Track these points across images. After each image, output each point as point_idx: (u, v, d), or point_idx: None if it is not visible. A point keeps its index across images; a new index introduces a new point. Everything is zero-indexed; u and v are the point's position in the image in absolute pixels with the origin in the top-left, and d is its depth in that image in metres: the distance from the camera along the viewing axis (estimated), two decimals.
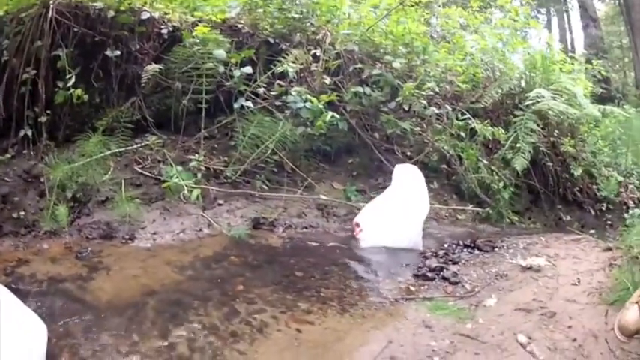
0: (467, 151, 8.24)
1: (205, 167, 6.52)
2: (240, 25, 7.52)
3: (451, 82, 9.17)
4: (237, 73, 6.83)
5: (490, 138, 8.42)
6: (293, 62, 7.08)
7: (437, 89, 8.34)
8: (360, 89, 7.43)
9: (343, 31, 7.88)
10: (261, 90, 7.04)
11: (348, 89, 7.52)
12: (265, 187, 6.56)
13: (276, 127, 6.60)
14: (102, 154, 6.08)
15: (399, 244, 5.70)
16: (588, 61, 12.50)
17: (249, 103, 6.90)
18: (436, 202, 7.55)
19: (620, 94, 18.23)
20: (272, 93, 7.05)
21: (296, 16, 7.85)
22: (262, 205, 6.34)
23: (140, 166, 6.49)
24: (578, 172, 9.19)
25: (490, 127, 8.37)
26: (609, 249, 5.30)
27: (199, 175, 6.35)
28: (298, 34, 7.76)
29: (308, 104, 6.69)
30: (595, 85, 11.77)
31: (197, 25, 6.89)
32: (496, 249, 5.68)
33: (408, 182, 5.99)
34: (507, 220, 8.08)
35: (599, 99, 11.02)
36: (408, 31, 8.56)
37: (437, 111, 8.09)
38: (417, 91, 7.71)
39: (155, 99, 7.13)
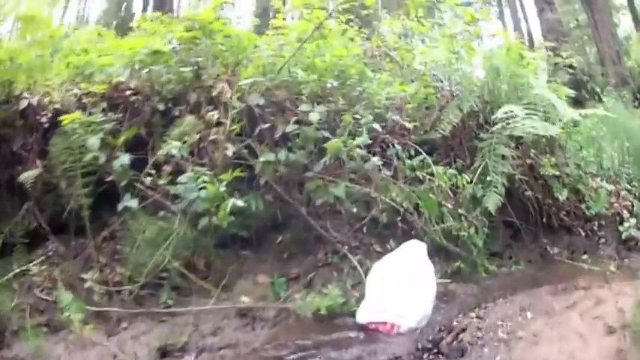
0: (425, 200, 6.61)
1: (105, 281, 5.52)
2: (128, 92, 6.31)
3: (400, 109, 7.44)
4: (116, 164, 5.68)
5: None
6: (184, 135, 5.84)
7: (378, 127, 6.75)
8: (271, 156, 6.05)
9: (244, 81, 6.28)
10: (148, 180, 5.78)
11: (261, 154, 6.12)
12: (171, 300, 5.43)
13: (171, 225, 5.46)
14: (5, 278, 5.38)
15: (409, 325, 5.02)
16: (553, 50, 10.75)
17: (133, 203, 5.65)
18: None
19: (586, 76, 16.90)
20: (161, 182, 5.71)
21: (187, 69, 6.42)
22: (170, 324, 5.23)
23: (40, 288, 5.54)
24: (563, 195, 7.61)
25: (450, 169, 6.97)
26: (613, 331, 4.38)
27: (96, 296, 5.40)
28: (194, 93, 6.35)
29: (203, 192, 5.41)
30: (564, 75, 10.04)
31: (82, 99, 6.07)
32: (466, 351, 4.61)
33: (415, 259, 5.48)
34: (483, 270, 6.81)
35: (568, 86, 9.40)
36: (335, 61, 7.07)
37: (378, 162, 6.56)
38: (349, 141, 6.16)
39: (49, 200, 6.09)
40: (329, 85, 6.85)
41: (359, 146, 6.22)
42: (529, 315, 5.15)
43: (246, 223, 5.95)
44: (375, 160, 6.46)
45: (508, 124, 6.78)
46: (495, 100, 7.68)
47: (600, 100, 12.64)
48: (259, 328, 5.29)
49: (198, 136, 5.94)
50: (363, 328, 5.15)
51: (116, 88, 6.34)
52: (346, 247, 6.23)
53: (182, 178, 5.54)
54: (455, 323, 5.18)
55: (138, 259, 5.44)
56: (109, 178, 5.74)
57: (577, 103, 10.53)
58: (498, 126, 6.86)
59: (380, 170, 6.59)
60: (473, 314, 5.29)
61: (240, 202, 5.38)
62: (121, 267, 5.59)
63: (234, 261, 6.03)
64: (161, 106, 6.23)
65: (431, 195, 6.66)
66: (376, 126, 6.68)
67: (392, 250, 6.11)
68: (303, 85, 6.76)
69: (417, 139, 7.35)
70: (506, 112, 6.80)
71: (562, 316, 5.04)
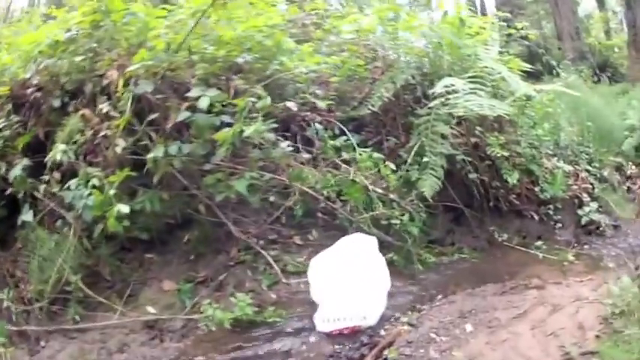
0: (347, 186, 5.62)
1: (21, 298, 5.00)
2: (31, 90, 5.60)
3: (326, 84, 6.37)
4: (12, 173, 5.17)
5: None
6: (74, 133, 5.18)
7: (292, 106, 5.70)
8: (160, 151, 5.06)
9: (133, 66, 5.27)
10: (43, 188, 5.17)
11: (152, 149, 5.15)
12: (77, 316, 4.87)
13: (67, 236, 4.92)
14: None
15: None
16: (506, 22, 9.74)
17: (29, 216, 5.13)
18: None
19: (542, 49, 16.00)
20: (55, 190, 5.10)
21: (81, 58, 5.58)
22: (80, 341, 4.74)
23: None
24: (513, 178, 6.58)
25: (378, 150, 6.00)
26: None
27: (14, 315, 4.87)
28: (90, 83, 5.49)
29: (91, 199, 4.73)
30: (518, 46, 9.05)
31: None
32: None
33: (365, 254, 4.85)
34: (420, 262, 5.85)
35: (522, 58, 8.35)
36: (247, 33, 5.99)
37: (288, 147, 5.63)
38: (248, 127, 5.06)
39: None
40: (241, 61, 5.92)
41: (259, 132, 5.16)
42: (468, 327, 4.39)
43: (147, 224, 5.24)
44: (284, 145, 5.53)
45: (448, 100, 5.69)
46: (436, 72, 6.68)
47: (557, 75, 11.70)
48: (168, 341, 4.69)
49: (90, 133, 5.21)
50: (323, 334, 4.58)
51: (22, 85, 5.67)
52: (262, 241, 5.52)
53: (71, 184, 4.90)
54: (382, 332, 4.54)
55: (41, 274, 4.94)
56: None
57: (532, 76, 9.87)
58: (436, 102, 5.78)
59: (293, 155, 5.69)
60: (405, 319, 4.67)
61: (125, 209, 4.64)
62: (32, 283, 5.05)
63: (138, 267, 5.39)
64: (57, 103, 5.52)
65: (357, 179, 5.64)
66: (290, 104, 5.71)
67: (314, 242, 5.63)
68: (207, 63, 5.71)
69: (344, 116, 6.41)
70: (446, 86, 5.72)
71: (508, 331, 4.26)
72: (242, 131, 4.97)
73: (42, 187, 5.13)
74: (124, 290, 5.11)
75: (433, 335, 4.32)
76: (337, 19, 7.37)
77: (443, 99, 5.73)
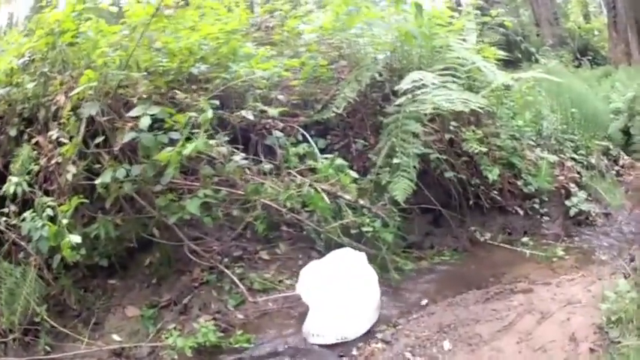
0: (312, 197, 5.12)
1: None
2: None
3: (288, 88, 5.94)
4: None
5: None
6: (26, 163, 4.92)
7: (249, 115, 5.28)
8: (108, 176, 4.67)
9: (77, 88, 4.80)
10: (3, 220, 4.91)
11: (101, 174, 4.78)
12: (47, 346, 4.59)
13: (27, 271, 4.69)
14: None
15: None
16: (482, 10, 9.26)
17: None
18: (285, 274, 5.30)
19: (520, 36, 15.64)
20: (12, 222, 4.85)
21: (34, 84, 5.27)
22: None
23: None
24: (493, 174, 6.06)
25: (339, 160, 5.46)
26: None
27: None
28: (43, 109, 5.19)
29: (45, 230, 4.45)
30: (494, 34, 8.64)
31: None
32: None
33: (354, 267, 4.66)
34: (396, 269, 5.34)
35: (497, 45, 7.94)
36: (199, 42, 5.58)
37: (244, 159, 5.12)
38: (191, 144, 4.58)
39: None
40: (195, 71, 5.51)
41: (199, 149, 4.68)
42: (447, 345, 4.01)
43: (106, 250, 5.00)
44: (238, 158, 5.05)
45: (416, 96, 5.17)
46: (406, 67, 6.21)
47: (537, 62, 11.27)
48: None
49: (44, 161, 4.94)
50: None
51: None
52: (226, 259, 5.18)
53: (26, 215, 4.63)
54: (354, 352, 4.18)
55: (10, 306, 4.67)
56: None
57: (511, 64, 9.49)
58: (403, 99, 5.29)
59: (247, 168, 5.24)
60: (379, 335, 4.30)
61: (77, 239, 4.35)
62: (3, 315, 4.73)
63: (102, 294, 5.10)
64: (13, 132, 5.26)
65: (320, 189, 5.17)
66: (246, 113, 5.29)
67: (281, 256, 5.35)
68: (159, 77, 5.37)
69: (308, 121, 5.96)
70: (414, 81, 5.24)
71: (491, 347, 3.86)
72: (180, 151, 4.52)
73: (2, 219, 4.87)
74: (89, 318, 4.86)
75: (408, 355, 3.94)
76: (297, 19, 6.85)
77: (410, 95, 5.22)
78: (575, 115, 8.38)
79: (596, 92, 10.46)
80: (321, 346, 4.27)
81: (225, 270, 5.01)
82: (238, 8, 6.66)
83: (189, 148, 4.46)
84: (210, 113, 4.61)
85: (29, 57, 5.44)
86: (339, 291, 4.47)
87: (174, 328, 4.53)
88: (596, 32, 19.85)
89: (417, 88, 5.20)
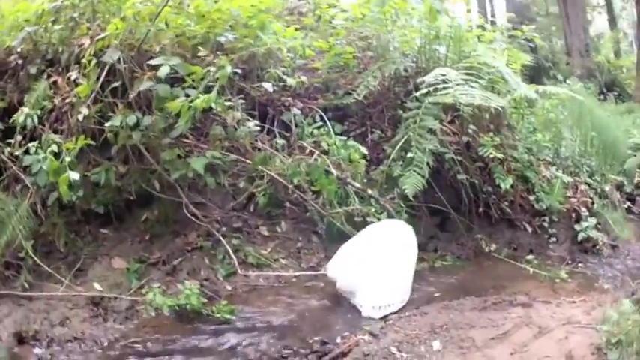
0: (318, 176, 4.99)
1: None
2: (13, 57, 5.34)
3: (312, 69, 5.87)
4: None
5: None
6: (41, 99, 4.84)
7: (268, 87, 5.18)
8: (117, 121, 4.64)
9: (103, 34, 4.80)
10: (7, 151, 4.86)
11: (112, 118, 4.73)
12: (27, 283, 4.54)
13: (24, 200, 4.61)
14: None
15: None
16: (515, 28, 9.06)
17: None
18: (282, 253, 5.19)
19: (549, 62, 15.88)
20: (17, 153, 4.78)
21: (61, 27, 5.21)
22: (26, 309, 4.45)
23: None
24: (507, 184, 5.88)
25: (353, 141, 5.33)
26: None
27: None
28: (67, 52, 5.12)
29: (46, 164, 4.42)
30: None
31: None
32: None
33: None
34: None
35: (526, 69, 7.98)
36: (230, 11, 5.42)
37: (254, 127, 5.07)
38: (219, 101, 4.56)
39: None
40: (222, 39, 5.38)
41: (231, 107, 4.71)
42: (436, 345, 3.74)
43: (104, 198, 4.97)
44: (251, 125, 4.99)
45: (437, 88, 5.00)
46: (431, 67, 5.96)
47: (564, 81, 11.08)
48: (111, 321, 4.41)
49: (58, 100, 4.91)
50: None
51: (7, 53, 5.39)
52: (225, 228, 5.11)
53: (30, 147, 4.61)
54: (339, 339, 3.99)
55: None
56: None
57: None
58: (424, 91, 5.11)
59: (257, 136, 5.20)
60: (367, 327, 4.10)
61: (76, 176, 4.32)
62: None
63: (92, 241, 5.07)
64: (33, 69, 5.19)
65: (332, 170, 4.98)
66: (267, 85, 5.20)
67: (281, 235, 5.24)
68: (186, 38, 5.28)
69: (327, 104, 5.81)
70: (437, 77, 5.05)
71: (483, 354, 3.62)
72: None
73: (7, 150, 4.83)
74: (75, 263, 4.82)
75: (394, 350, 3.70)
76: (329, 7, 6.71)
77: (432, 89, 5.05)
78: (595, 141, 8.12)
79: (618, 123, 10.19)
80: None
81: (222, 238, 4.92)
82: None
83: (200, 100, 4.32)
84: (228, 69, 4.52)
85: (61, 1, 5.33)
86: (393, 262, 4.56)
87: (158, 287, 4.48)
88: (624, 69, 19.63)
89: (440, 83, 5.00)
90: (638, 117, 11.63)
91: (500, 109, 5.20)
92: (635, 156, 9.24)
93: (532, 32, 8.36)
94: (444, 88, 5.02)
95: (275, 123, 5.53)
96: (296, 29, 5.97)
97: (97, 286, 4.66)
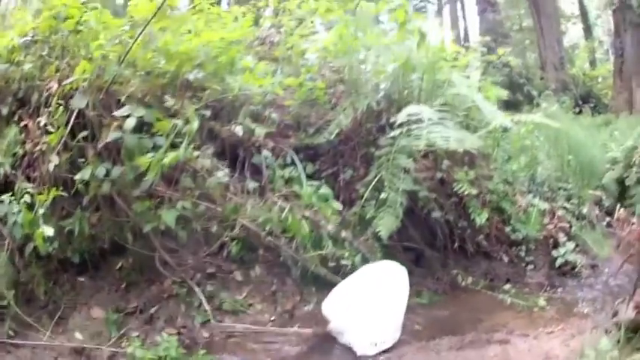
0: (290, 222, 4.93)
1: None
2: None
3: (282, 107, 5.72)
4: None
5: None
6: (14, 145, 4.80)
7: (240, 132, 5.16)
8: (87, 173, 4.60)
9: (71, 78, 4.75)
10: None
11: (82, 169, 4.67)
12: (11, 331, 4.43)
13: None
14: None
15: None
16: (489, 49, 9.06)
17: None
18: (257, 298, 5.14)
19: (523, 79, 15.68)
20: None
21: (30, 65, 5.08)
22: (14, 356, 4.37)
23: None
24: (482, 218, 5.81)
25: (324, 188, 5.28)
26: None
27: None
28: (37, 93, 5.01)
29: (20, 217, 4.38)
30: (498, 74, 8.36)
31: None
32: None
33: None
34: None
35: (500, 86, 7.56)
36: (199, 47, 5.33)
37: (224, 178, 4.93)
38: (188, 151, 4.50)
39: None
40: (191, 77, 5.28)
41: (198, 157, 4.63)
42: None
43: (80, 247, 4.87)
44: (221, 174, 4.90)
45: (410, 130, 4.92)
46: (405, 99, 5.95)
47: (538, 105, 11.04)
48: None
49: (30, 146, 4.81)
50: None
51: None
52: (199, 274, 5.05)
53: (4, 198, 4.52)
54: None
55: None
56: None
57: (511, 106, 9.25)
58: (397, 132, 5.06)
59: (229, 185, 5.05)
60: None
61: (50, 231, 4.26)
62: None
63: (70, 289, 4.96)
64: (4, 110, 5.07)
65: (304, 215, 4.91)
66: (237, 129, 5.15)
67: (255, 279, 5.14)
68: (155, 77, 5.20)
69: (298, 144, 5.70)
70: (410, 115, 5.00)
71: None
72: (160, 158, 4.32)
73: None
74: (55, 312, 4.72)
75: None
76: (302, 37, 6.61)
77: (405, 129, 4.98)
78: (571, 163, 8.08)
79: (595, 140, 10.14)
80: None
81: (195, 287, 4.87)
82: (244, 18, 6.41)
83: (169, 157, 4.27)
84: (195, 125, 4.47)
85: (31, 37, 5.27)
86: (383, 301, 4.62)
87: (137, 337, 4.45)
88: (600, 79, 19.73)
89: (413, 122, 4.93)
90: (616, 129, 11.54)
91: (474, 149, 5.10)
92: (613, 170, 9.22)
93: (507, 54, 8.31)
94: (417, 128, 4.91)
95: (246, 165, 5.45)
96: (267, 63, 5.89)
97: (78, 335, 4.60)
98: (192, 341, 4.55)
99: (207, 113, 5.00)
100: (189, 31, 5.51)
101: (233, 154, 5.42)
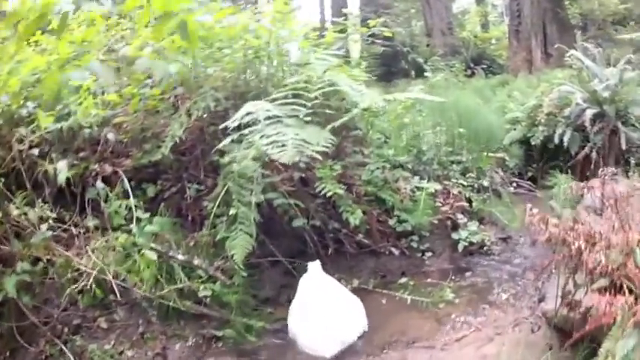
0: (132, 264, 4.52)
1: None
2: None
3: (118, 125, 5.20)
4: None
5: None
6: None
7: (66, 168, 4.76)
8: None
9: None
10: None
11: None
12: None
13: None
14: None
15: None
16: (365, 20, 8.57)
17: None
18: (125, 344, 4.60)
19: (408, 47, 15.77)
20: None
21: None
22: None
23: None
24: (355, 217, 5.25)
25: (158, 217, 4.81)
26: None
27: None
28: None
29: None
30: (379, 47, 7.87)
31: None
32: None
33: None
34: (248, 332, 4.56)
35: (383, 57, 6.90)
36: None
37: (47, 232, 4.52)
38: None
39: None
40: (24, 112, 4.95)
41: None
42: None
43: None
44: (44, 228, 4.47)
45: (243, 135, 4.39)
46: (252, 91, 5.37)
47: (423, 71, 10.72)
48: None
49: None
50: None
51: None
52: (67, 328, 4.58)
53: None
54: None
55: None
56: None
57: (393, 75, 8.86)
58: (228, 140, 4.53)
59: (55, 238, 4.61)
60: None
61: None
62: None
63: None
64: None
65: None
66: (61, 165, 4.63)
67: (121, 324, 4.67)
68: None
69: (136, 164, 5.07)
70: (246, 115, 4.34)
71: None
72: None
73: None
74: None
75: None
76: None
77: (238, 134, 4.38)
78: (464, 134, 7.53)
79: (490, 104, 9.76)
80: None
81: (63, 346, 4.44)
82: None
83: None
84: None
85: None
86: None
87: None
88: (493, 41, 19.85)
89: (246, 125, 4.26)
90: (514, 89, 11.29)
91: (325, 148, 4.40)
92: (515, 130, 8.86)
93: (382, 25, 7.71)
94: (250, 132, 4.27)
95: (85, 202, 4.90)
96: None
97: None
98: None
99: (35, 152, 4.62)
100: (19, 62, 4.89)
101: (71, 192, 4.91)
